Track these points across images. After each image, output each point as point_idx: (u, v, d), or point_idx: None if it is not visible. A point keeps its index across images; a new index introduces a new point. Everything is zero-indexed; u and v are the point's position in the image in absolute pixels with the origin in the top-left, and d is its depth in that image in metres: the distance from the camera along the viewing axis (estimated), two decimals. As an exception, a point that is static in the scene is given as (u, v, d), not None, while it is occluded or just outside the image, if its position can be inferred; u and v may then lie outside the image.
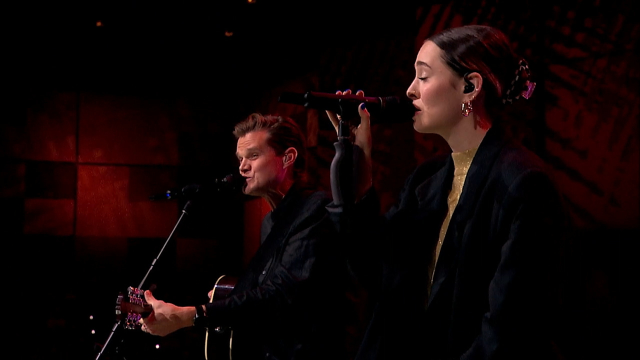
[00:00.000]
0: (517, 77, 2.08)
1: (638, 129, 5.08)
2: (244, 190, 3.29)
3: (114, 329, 2.95)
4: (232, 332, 3.18)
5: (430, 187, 2.17)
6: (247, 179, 3.27)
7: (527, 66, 2.10)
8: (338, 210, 2.06)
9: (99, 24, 7.24)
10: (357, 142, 2.07)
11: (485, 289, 1.94)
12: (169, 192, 3.29)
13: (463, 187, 2.05)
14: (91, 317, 7.38)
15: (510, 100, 2.10)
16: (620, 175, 5.14)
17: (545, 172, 1.95)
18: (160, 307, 3.02)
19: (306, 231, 3.12)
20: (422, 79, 2.09)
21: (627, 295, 5.05)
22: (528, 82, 2.10)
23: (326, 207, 2.11)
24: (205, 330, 3.22)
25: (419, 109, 2.09)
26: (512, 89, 2.09)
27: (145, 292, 3.03)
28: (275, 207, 3.31)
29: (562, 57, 5.46)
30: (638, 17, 5.14)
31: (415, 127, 2.11)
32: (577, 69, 5.39)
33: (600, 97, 5.27)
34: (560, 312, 1.94)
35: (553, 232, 1.93)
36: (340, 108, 2.02)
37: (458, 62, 2.05)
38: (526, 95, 2.11)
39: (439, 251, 2.06)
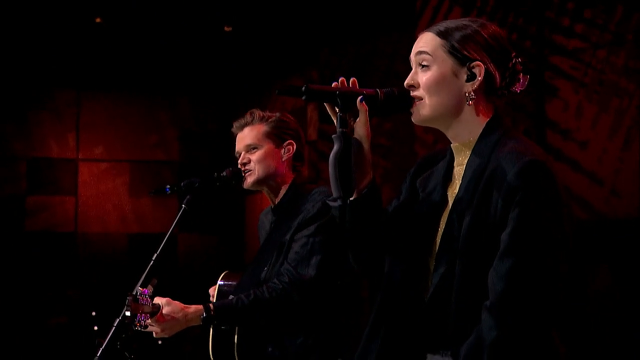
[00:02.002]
0: (512, 69, 2.10)
1: (638, 119, 5.07)
2: (244, 184, 3.29)
3: (115, 325, 2.95)
4: (237, 328, 3.18)
5: (431, 180, 2.18)
6: (246, 173, 3.27)
7: (520, 59, 2.12)
8: (338, 203, 2.06)
9: (98, 20, 7.23)
10: (356, 136, 2.06)
11: (486, 279, 1.94)
12: (168, 187, 3.30)
13: (463, 177, 2.06)
14: (93, 314, 7.38)
15: (506, 92, 2.11)
16: (621, 166, 5.13)
17: (544, 161, 1.96)
18: (169, 305, 3.03)
19: (312, 228, 3.12)
20: (422, 67, 2.09)
21: (630, 285, 5.05)
22: (521, 75, 2.12)
23: (326, 201, 2.11)
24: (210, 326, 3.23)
25: (418, 99, 2.09)
26: (507, 80, 2.10)
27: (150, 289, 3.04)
28: (275, 201, 3.31)
29: (561, 48, 5.45)
30: (638, 8, 5.12)
31: (415, 118, 2.11)
32: (577, 60, 5.37)
33: (600, 87, 5.26)
34: (561, 300, 1.93)
35: (552, 219, 1.93)
36: (338, 100, 2.02)
37: (460, 50, 2.06)
38: (518, 88, 2.12)
39: (439, 242, 2.06)
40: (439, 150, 2.26)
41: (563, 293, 1.94)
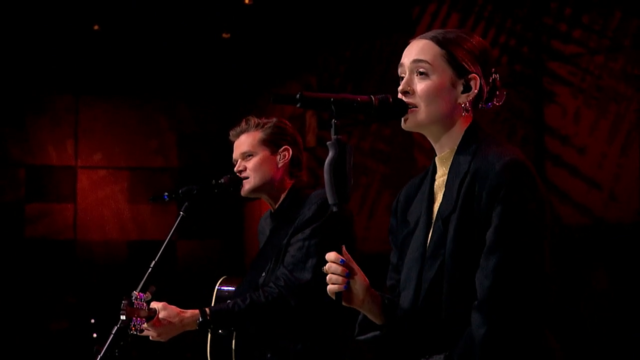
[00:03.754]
0: (492, 83, 2.14)
1: (636, 124, 5.08)
2: (241, 192, 3.29)
3: (113, 332, 2.95)
4: (234, 333, 3.18)
5: (416, 206, 2.19)
6: (243, 181, 3.27)
7: (498, 75, 2.15)
8: (377, 333, 2.13)
9: (96, 27, 7.24)
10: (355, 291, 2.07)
11: (474, 281, 1.95)
12: (166, 194, 3.30)
13: (446, 184, 2.08)
14: (92, 321, 7.38)
15: (485, 106, 2.15)
16: (620, 171, 5.14)
17: (524, 160, 1.99)
18: (165, 310, 3.03)
19: (307, 231, 3.12)
20: (420, 74, 2.10)
21: (627, 289, 5.05)
22: (498, 91, 2.15)
23: (358, 339, 2.15)
24: (208, 331, 3.23)
25: (413, 106, 2.10)
26: (488, 95, 2.14)
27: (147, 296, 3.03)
28: (274, 207, 3.31)
29: (559, 54, 5.46)
30: (635, 13, 5.13)
31: (407, 124, 2.13)
32: (575, 66, 5.38)
33: (599, 93, 5.27)
34: (551, 297, 1.94)
35: (534, 215, 1.95)
36: (333, 108, 2.03)
37: (460, 62, 2.08)
38: (496, 102, 2.16)
39: (428, 248, 2.07)
40: (415, 177, 2.28)
41: (555, 292, 1.94)
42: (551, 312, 1.94)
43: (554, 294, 1.94)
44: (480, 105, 2.13)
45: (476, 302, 1.93)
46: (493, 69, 2.14)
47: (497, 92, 2.15)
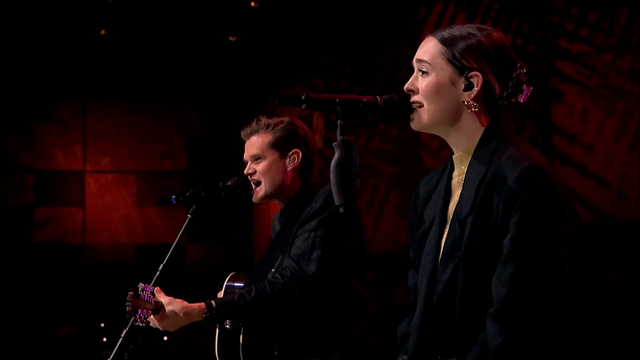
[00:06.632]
0: (515, 79, 2.08)
1: (644, 122, 5.07)
2: (253, 199, 3.29)
3: (122, 335, 2.96)
4: (242, 329, 3.19)
5: (432, 204, 2.17)
6: (254, 185, 3.26)
7: (524, 70, 2.10)
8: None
9: (102, 32, 7.26)
10: None
11: (490, 285, 1.94)
12: (174, 197, 3.31)
13: (463, 184, 2.06)
14: (102, 325, 7.39)
15: (506, 102, 2.09)
16: (628, 169, 5.13)
17: (544, 165, 1.96)
18: (171, 304, 3.03)
19: (314, 223, 3.11)
20: (422, 73, 2.09)
21: (636, 287, 5.04)
22: (524, 86, 2.10)
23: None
24: (216, 327, 3.23)
25: (418, 105, 2.09)
26: (509, 91, 2.08)
27: (155, 289, 3.04)
28: (284, 206, 3.32)
29: (566, 53, 5.45)
30: (642, 11, 5.13)
31: (414, 125, 2.11)
32: (582, 64, 5.37)
33: (606, 91, 5.26)
34: (566, 305, 1.93)
35: (553, 223, 1.93)
36: (338, 109, 2.03)
37: (459, 59, 2.06)
38: (521, 99, 2.10)
39: (442, 249, 2.06)
40: (434, 171, 2.26)
41: (569, 298, 1.93)
42: (566, 320, 1.93)
43: (571, 303, 1.93)
44: (499, 102, 2.08)
45: (492, 310, 1.92)
46: (519, 64, 2.08)
47: (522, 88, 2.09)
